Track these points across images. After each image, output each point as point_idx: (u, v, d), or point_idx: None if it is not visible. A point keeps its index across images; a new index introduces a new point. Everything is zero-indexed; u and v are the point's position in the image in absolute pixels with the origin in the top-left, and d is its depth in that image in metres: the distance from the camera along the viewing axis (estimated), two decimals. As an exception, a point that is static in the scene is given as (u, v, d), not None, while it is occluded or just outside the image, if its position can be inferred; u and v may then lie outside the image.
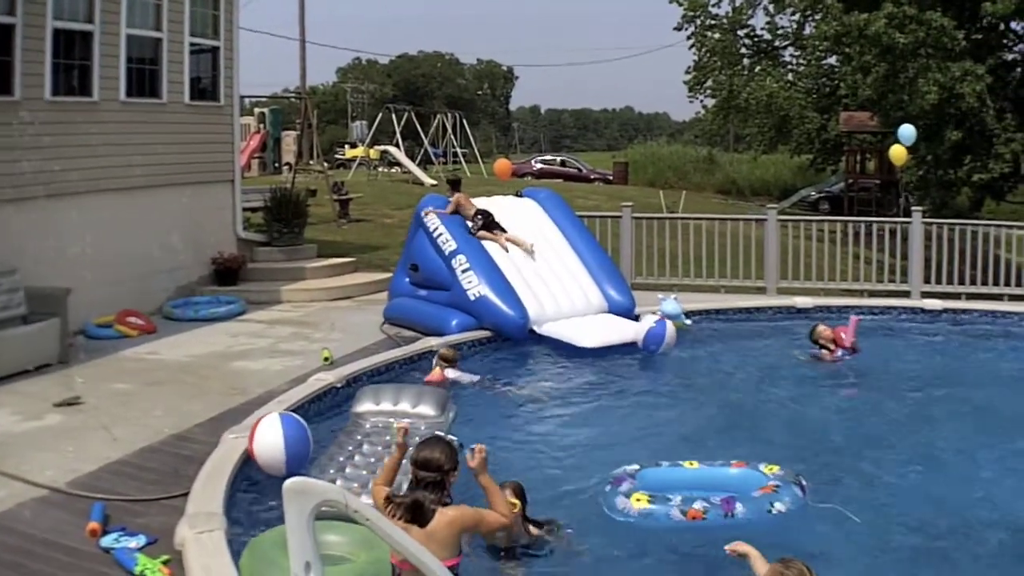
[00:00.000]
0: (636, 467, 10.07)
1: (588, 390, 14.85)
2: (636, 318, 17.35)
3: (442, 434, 7.97)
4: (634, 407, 13.98)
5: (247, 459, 10.26)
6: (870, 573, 8.63)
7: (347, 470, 10.08)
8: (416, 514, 6.93)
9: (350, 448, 10.71)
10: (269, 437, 10.17)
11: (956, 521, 9.59)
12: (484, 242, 17.69)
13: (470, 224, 17.99)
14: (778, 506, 9.09)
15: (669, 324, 16.18)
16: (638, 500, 9.28)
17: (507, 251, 17.67)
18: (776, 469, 9.77)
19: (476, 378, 14.44)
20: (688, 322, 17.56)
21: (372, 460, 10.36)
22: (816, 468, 10.98)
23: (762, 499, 9.20)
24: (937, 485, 10.71)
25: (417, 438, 10.93)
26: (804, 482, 9.60)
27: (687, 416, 13.69)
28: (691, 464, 10.17)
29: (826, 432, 12.90)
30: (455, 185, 18.71)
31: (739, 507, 9.03)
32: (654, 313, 17.06)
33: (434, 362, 14.61)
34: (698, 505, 9.09)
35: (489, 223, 18.07)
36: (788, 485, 9.43)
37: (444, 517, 6.92)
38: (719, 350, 17.17)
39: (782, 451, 11.73)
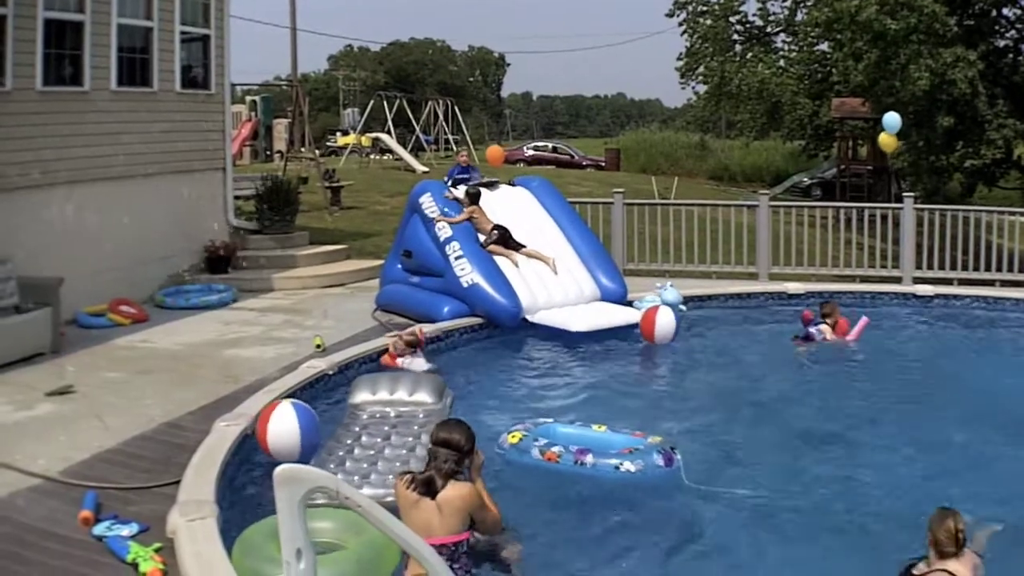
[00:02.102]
0: (547, 421, 11.25)
1: (576, 375, 14.99)
2: (630, 304, 17.41)
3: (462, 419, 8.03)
4: (615, 391, 14.11)
5: (239, 447, 10.29)
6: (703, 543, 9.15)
7: (347, 464, 10.05)
8: (428, 487, 7.10)
9: (348, 441, 10.68)
10: (285, 426, 10.33)
11: (880, 507, 9.81)
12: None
13: (482, 238, 17.66)
14: (626, 465, 9.95)
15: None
16: (513, 437, 10.62)
17: (517, 266, 17.39)
18: (658, 439, 10.50)
19: (429, 366, 14.45)
20: (683, 308, 17.63)
21: (371, 452, 10.36)
22: (779, 451, 11.51)
23: (615, 457, 10.07)
24: (899, 472, 10.83)
25: (416, 427, 11.05)
26: (676, 455, 10.20)
27: (670, 400, 13.90)
28: (599, 428, 11.04)
29: (805, 416, 13.01)
30: (474, 198, 18.08)
31: (589, 458, 10.04)
32: (655, 298, 17.17)
33: (393, 346, 14.60)
34: (555, 449, 10.24)
35: (505, 239, 17.75)
36: (649, 452, 10.16)
37: (456, 490, 7.12)
38: (710, 335, 17.23)
39: (756, 434, 12.17)
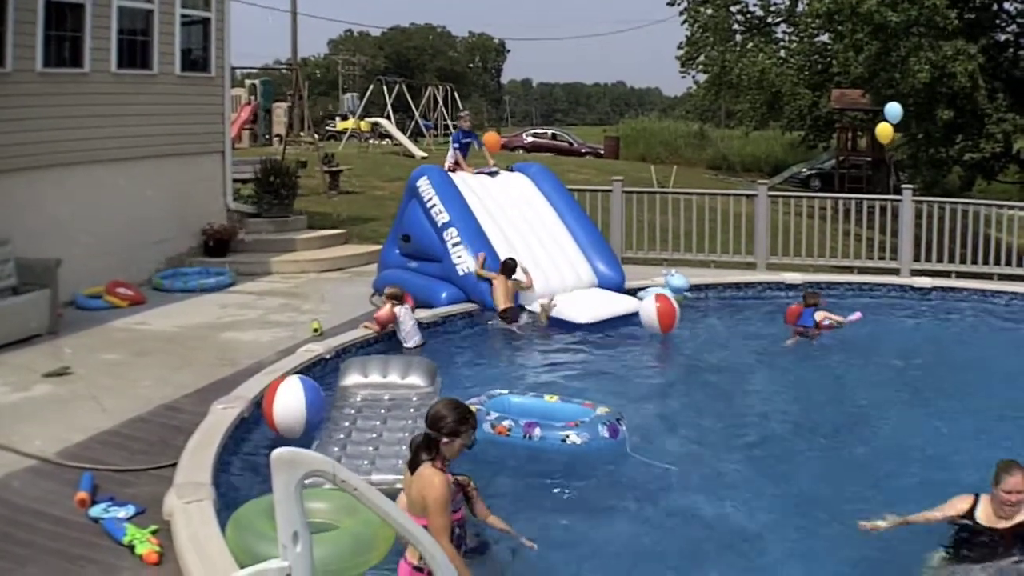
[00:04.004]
0: (502, 392, 11.73)
1: (569, 360, 15.16)
2: (632, 292, 17.41)
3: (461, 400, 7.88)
4: (606, 376, 14.29)
5: (236, 429, 10.33)
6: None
7: (348, 448, 10.09)
8: (411, 461, 7.02)
9: (345, 424, 10.72)
10: (291, 399, 10.50)
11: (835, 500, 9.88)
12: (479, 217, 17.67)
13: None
14: (572, 438, 10.45)
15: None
16: None
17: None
18: (605, 410, 10.95)
19: (418, 339, 14.91)
20: (688, 294, 17.67)
21: (372, 435, 10.42)
22: (765, 436, 11.80)
23: (562, 430, 10.55)
24: (884, 460, 11.02)
25: (411, 409, 11.08)
26: (621, 427, 10.65)
27: (659, 386, 14.14)
28: (551, 398, 11.56)
29: (794, 404, 13.19)
30: (509, 270, 16.77)
31: (537, 431, 10.54)
32: (659, 288, 17.18)
33: (382, 300, 15.36)
34: (505, 423, 10.69)
35: (510, 318, 16.56)
36: (593, 424, 10.65)
37: (420, 477, 6.93)
38: (707, 324, 17.26)
39: (746, 423, 12.30)
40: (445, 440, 7.04)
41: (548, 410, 11.13)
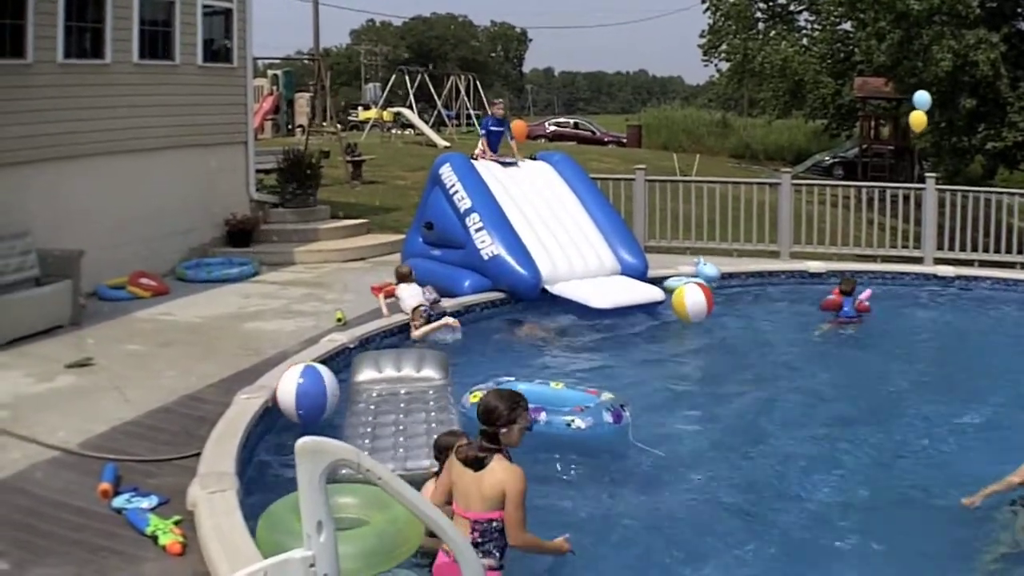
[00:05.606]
0: (509, 379, 11.59)
1: (592, 349, 15.06)
2: (661, 280, 17.38)
3: (506, 388, 7.88)
4: (627, 365, 14.21)
5: (260, 419, 10.35)
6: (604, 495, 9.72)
7: (375, 442, 10.01)
8: (470, 461, 6.94)
9: (369, 419, 10.69)
10: (287, 384, 10.58)
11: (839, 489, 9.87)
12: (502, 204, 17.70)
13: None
14: (577, 423, 10.51)
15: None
16: (474, 396, 10.96)
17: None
18: (610, 397, 11.04)
19: (417, 302, 14.90)
20: (714, 283, 17.67)
21: (398, 428, 10.37)
22: (784, 425, 11.72)
23: (567, 414, 10.61)
24: (909, 450, 10.98)
25: (432, 403, 11.04)
26: (625, 413, 10.80)
27: (680, 375, 14.07)
28: (557, 385, 11.61)
29: (814, 393, 13.05)
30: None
31: (543, 416, 10.43)
32: (685, 277, 17.21)
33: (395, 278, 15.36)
34: None
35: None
36: (598, 410, 10.73)
37: (495, 472, 6.91)
38: (730, 313, 17.17)
39: (766, 410, 12.24)
40: (504, 430, 7.03)
41: (553, 397, 11.19)
